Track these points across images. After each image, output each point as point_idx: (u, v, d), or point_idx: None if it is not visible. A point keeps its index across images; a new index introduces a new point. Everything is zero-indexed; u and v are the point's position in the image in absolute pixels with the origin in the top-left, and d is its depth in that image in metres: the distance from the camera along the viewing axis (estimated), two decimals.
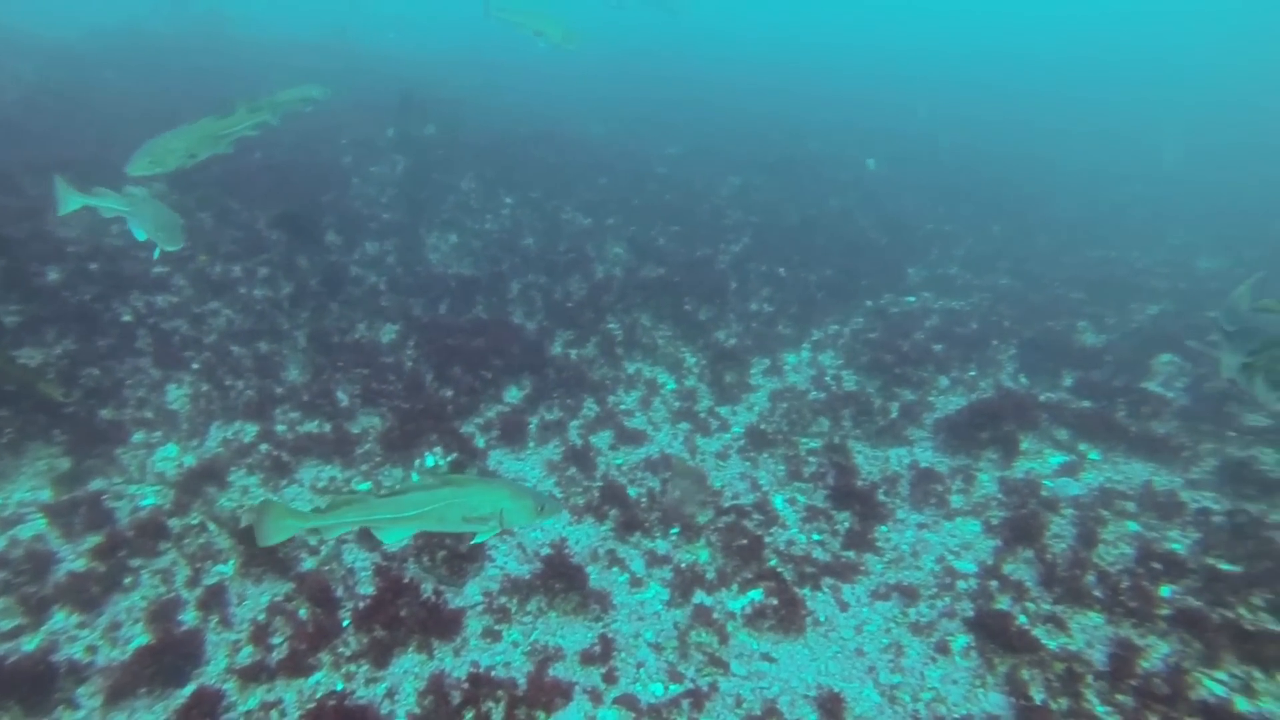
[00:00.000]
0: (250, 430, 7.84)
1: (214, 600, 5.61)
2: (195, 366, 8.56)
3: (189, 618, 5.48)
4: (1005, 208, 19.03)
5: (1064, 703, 5.01)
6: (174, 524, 6.27)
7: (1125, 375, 10.32)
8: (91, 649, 5.10)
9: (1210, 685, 5.12)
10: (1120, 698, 5.06)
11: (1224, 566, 6.28)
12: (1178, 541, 6.78)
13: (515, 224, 14.38)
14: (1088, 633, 5.67)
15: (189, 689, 4.82)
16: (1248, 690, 5.07)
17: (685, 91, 28.51)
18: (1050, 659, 5.32)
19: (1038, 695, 5.07)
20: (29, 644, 5.08)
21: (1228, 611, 5.72)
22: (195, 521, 6.34)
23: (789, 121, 25.32)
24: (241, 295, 9.90)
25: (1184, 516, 7.17)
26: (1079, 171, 23.68)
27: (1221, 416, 9.22)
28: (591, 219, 15.20)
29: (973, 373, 10.31)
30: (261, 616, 5.52)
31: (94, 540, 6.04)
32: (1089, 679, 5.19)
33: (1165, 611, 5.76)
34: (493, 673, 5.02)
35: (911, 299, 13.32)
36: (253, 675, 4.94)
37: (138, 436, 7.45)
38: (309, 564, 6.12)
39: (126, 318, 8.87)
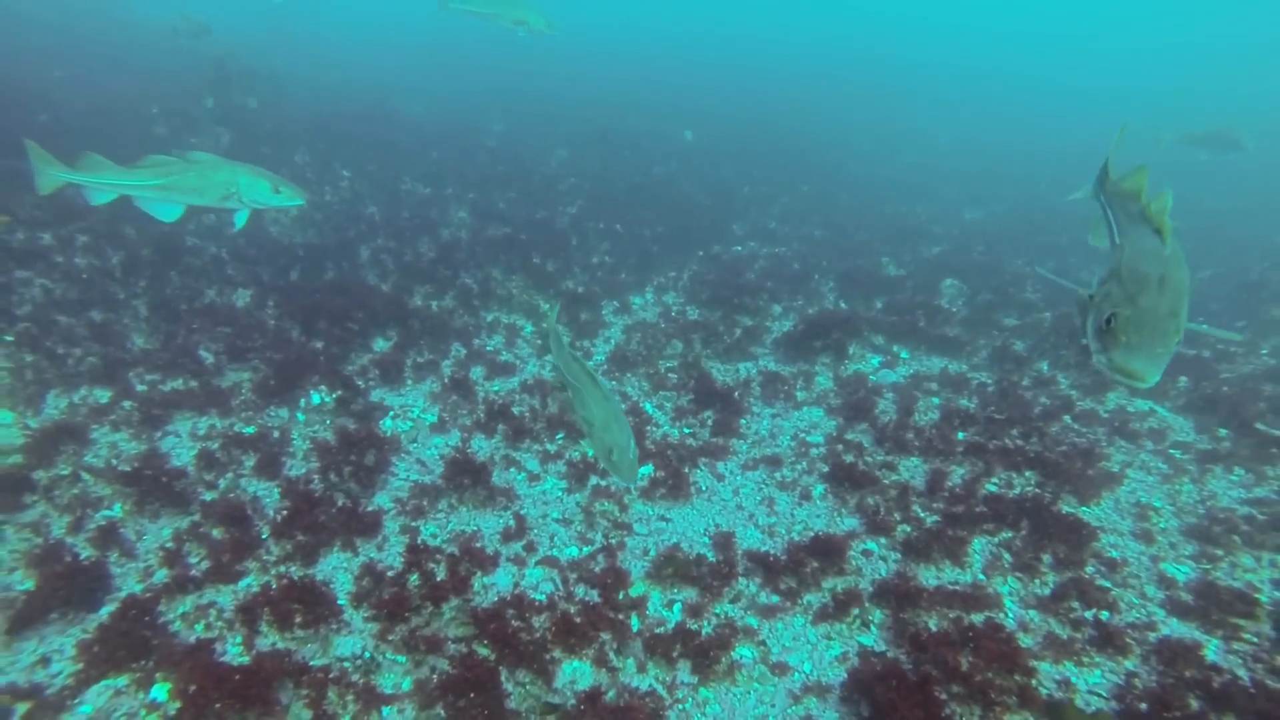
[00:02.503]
0: (102, 394, 7.41)
1: (108, 539, 5.45)
2: (8, 338, 7.85)
3: (84, 555, 5.30)
4: (812, 174, 21.29)
5: (898, 515, 6.28)
6: (40, 476, 5.93)
7: (922, 295, 12.32)
8: None
9: (990, 486, 6.73)
10: (935, 504, 6.43)
11: (997, 415, 8.00)
12: (967, 403, 8.47)
13: (355, 195, 14.15)
14: (911, 469, 7.05)
15: (107, 609, 4.76)
16: (1010, 484, 6.77)
17: (501, 79, 28.70)
18: (887, 488, 6.60)
19: (881, 511, 6.29)
20: None
21: (999, 441, 7.38)
22: (65, 473, 6.03)
23: (608, 102, 26.41)
24: (59, 264, 9.13)
25: (970, 389, 8.95)
26: (870, 149, 26.84)
27: (990, 321, 11.42)
28: (431, 188, 15.26)
29: (800, 301, 11.80)
30: (169, 544, 5.46)
31: None
32: (914, 496, 6.52)
33: (961, 448, 7.29)
34: (427, 545, 5.40)
35: (739, 248, 14.77)
36: (179, 586, 4.96)
37: None
38: (209, 496, 6.08)
39: None
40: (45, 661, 4.39)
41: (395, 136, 17.54)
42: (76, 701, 4.08)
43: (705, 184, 18.62)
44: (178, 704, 3.93)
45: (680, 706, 4.45)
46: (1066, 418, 8.09)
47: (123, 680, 4.20)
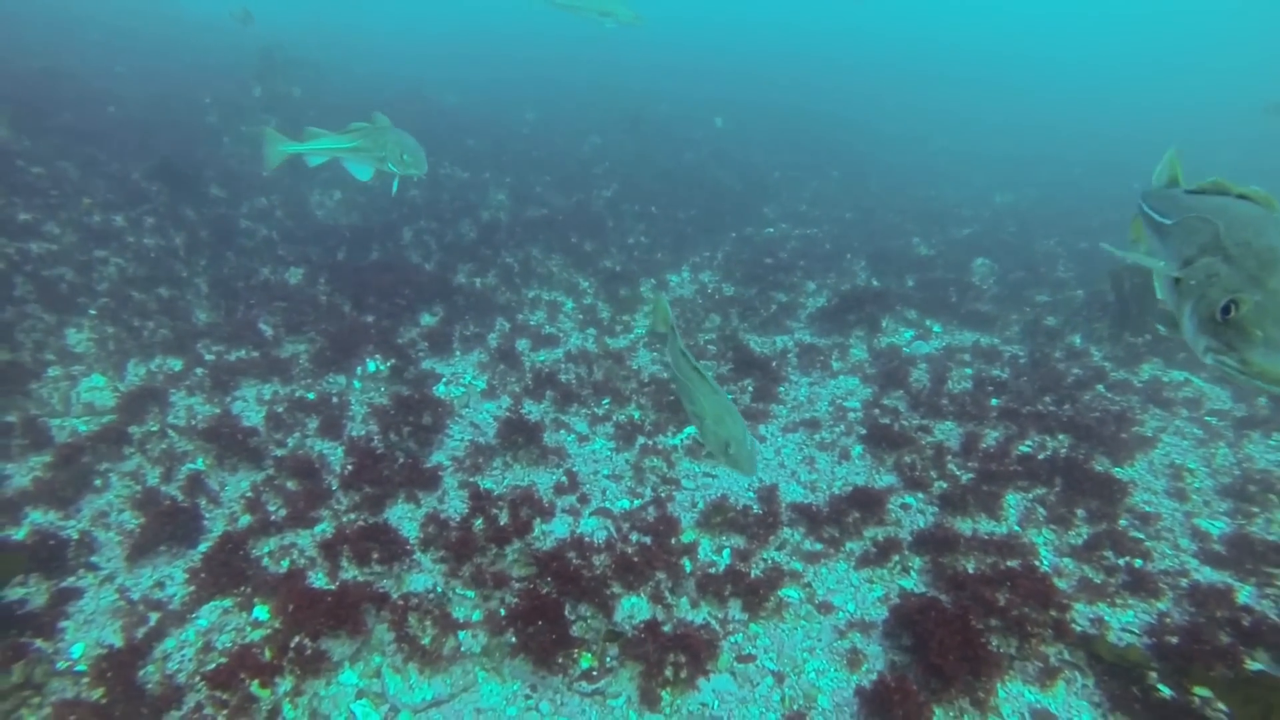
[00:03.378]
0: (174, 364, 7.87)
1: (196, 488, 5.88)
2: (92, 311, 8.36)
3: (179, 500, 5.73)
4: (840, 158, 21.40)
5: (934, 472, 6.51)
6: (135, 431, 6.39)
7: (953, 273, 12.46)
8: (85, 532, 5.29)
9: (1023, 448, 6.91)
10: (970, 463, 6.64)
11: (1029, 384, 8.17)
12: (1000, 373, 8.64)
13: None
14: (946, 432, 7.26)
15: (204, 545, 5.19)
16: (1044, 446, 6.94)
17: (530, 69, 29.02)
18: (923, 448, 6.83)
19: (917, 468, 6.53)
20: (18, 534, 5.19)
21: (1032, 407, 7.56)
22: (154, 429, 6.49)
23: (638, 90, 26.64)
24: (130, 244, 9.63)
25: (1002, 360, 9.12)
26: (899, 135, 26.81)
27: (1021, 297, 11.54)
28: (469, 173, 15.65)
29: (833, 279, 12.00)
30: (249, 494, 5.88)
31: (41, 459, 6.05)
32: (949, 456, 6.74)
33: (994, 414, 7.48)
34: (490, 492, 5.75)
35: (771, 230, 14.98)
36: (262, 529, 5.37)
37: (54, 371, 7.31)
38: (279, 452, 6.49)
39: None
40: (161, 584, 4.85)
41: (432, 124, 17.94)
42: (194, 616, 4.52)
43: (736, 169, 18.81)
44: (278, 621, 4.34)
45: (732, 638, 4.75)
46: (1099, 387, 8.23)
47: (227, 602, 4.63)
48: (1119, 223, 17.14)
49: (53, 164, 10.17)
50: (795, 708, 4.32)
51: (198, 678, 4.02)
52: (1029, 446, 6.96)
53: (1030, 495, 6.18)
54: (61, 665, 4.13)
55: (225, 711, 3.82)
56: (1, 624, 4.24)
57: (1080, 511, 5.90)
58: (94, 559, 5.02)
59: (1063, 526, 5.78)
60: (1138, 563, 5.35)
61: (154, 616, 4.52)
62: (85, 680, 4.01)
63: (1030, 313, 10.77)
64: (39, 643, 4.24)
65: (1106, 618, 4.87)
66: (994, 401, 7.81)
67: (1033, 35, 61.26)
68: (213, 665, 4.09)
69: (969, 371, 8.76)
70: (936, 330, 10.12)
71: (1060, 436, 7.03)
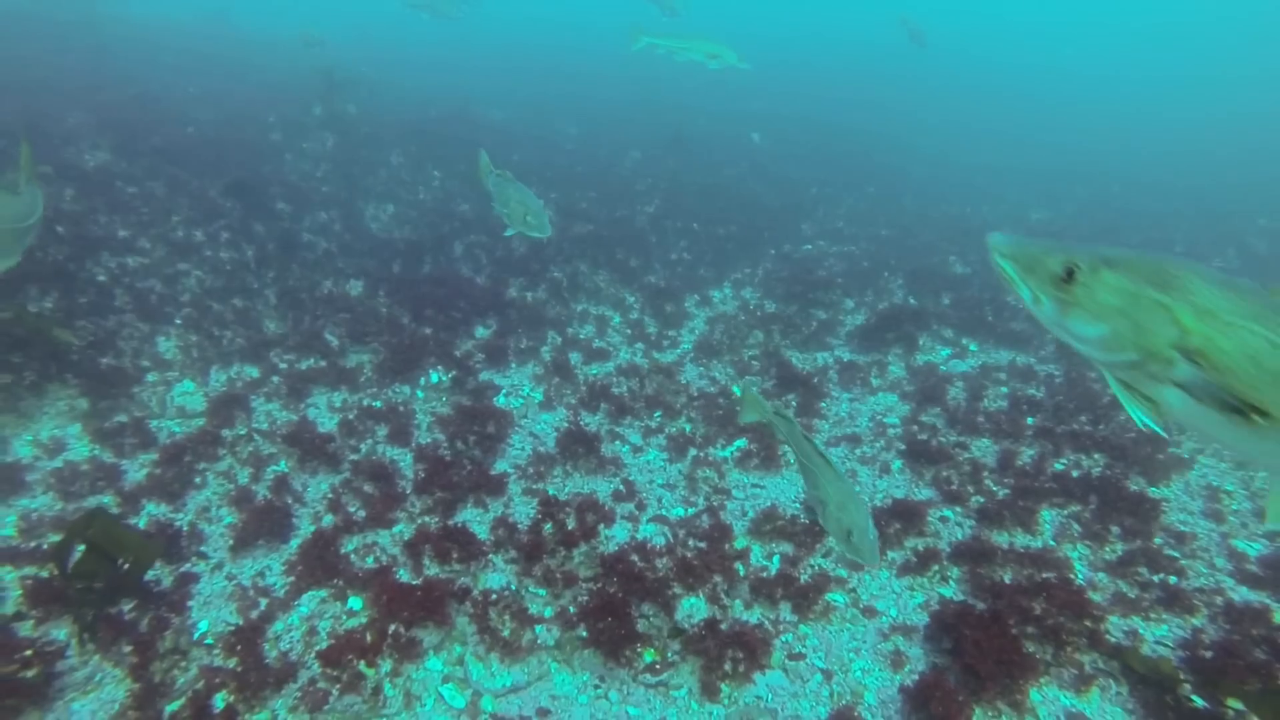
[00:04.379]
0: (251, 371, 8.45)
1: (282, 488, 6.41)
2: (178, 321, 8.99)
3: (270, 499, 6.25)
4: (877, 174, 21.63)
5: (971, 487, 6.81)
6: (226, 434, 6.95)
7: (989, 292, 12.65)
8: (193, 524, 5.84)
9: (1058, 465, 7.17)
10: (1006, 479, 6.93)
11: (1065, 403, 8.40)
12: (1035, 392, 8.88)
13: (447, 193, 15.18)
14: (982, 449, 7.55)
15: (295, 542, 5.69)
16: (1079, 465, 7.17)
17: (570, 85, 29.61)
18: (961, 464, 7.13)
19: (955, 483, 6.83)
20: (140, 523, 5.75)
21: (1067, 426, 7.80)
22: (242, 433, 7.04)
23: (675, 105, 27.10)
24: (209, 257, 10.29)
25: (1038, 379, 9.35)
26: (935, 151, 26.89)
27: None
28: None
29: (870, 296, 12.30)
30: (330, 495, 6.38)
31: (149, 456, 6.64)
32: (986, 472, 7.03)
33: (1030, 432, 7.74)
34: (556, 498, 6.19)
35: (809, 246, 15.30)
36: (345, 528, 5.85)
37: (151, 376, 7.92)
38: (354, 457, 7.00)
39: (101, 278, 9.14)
40: (262, 574, 5.36)
41: (480, 138, 18.53)
42: (296, 603, 5.03)
43: (774, 185, 19.17)
44: (372, 611, 4.81)
45: (784, 638, 5.12)
46: None
47: (323, 593, 5.13)
48: (1159, 242, 17.17)
49: (144, 183, 10.90)
50: (843, 703, 4.67)
51: (311, 655, 4.51)
52: (1064, 464, 7.22)
53: (1065, 511, 6.45)
54: (195, 637, 4.67)
55: (338, 686, 4.30)
56: (145, 599, 4.79)
57: (1115, 528, 6.16)
58: (203, 549, 5.56)
59: (1097, 542, 6.05)
60: (1172, 579, 5.60)
61: (263, 602, 5.04)
62: (217, 651, 4.55)
63: None
64: (175, 618, 4.78)
65: (1141, 631, 5.14)
66: (1030, 420, 8.07)
67: (1071, 51, 60.69)
68: (320, 646, 4.57)
69: (1005, 390, 9.01)
70: (973, 349, 10.37)
71: (1095, 455, 7.28)
